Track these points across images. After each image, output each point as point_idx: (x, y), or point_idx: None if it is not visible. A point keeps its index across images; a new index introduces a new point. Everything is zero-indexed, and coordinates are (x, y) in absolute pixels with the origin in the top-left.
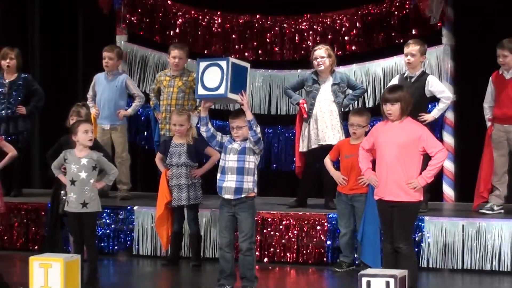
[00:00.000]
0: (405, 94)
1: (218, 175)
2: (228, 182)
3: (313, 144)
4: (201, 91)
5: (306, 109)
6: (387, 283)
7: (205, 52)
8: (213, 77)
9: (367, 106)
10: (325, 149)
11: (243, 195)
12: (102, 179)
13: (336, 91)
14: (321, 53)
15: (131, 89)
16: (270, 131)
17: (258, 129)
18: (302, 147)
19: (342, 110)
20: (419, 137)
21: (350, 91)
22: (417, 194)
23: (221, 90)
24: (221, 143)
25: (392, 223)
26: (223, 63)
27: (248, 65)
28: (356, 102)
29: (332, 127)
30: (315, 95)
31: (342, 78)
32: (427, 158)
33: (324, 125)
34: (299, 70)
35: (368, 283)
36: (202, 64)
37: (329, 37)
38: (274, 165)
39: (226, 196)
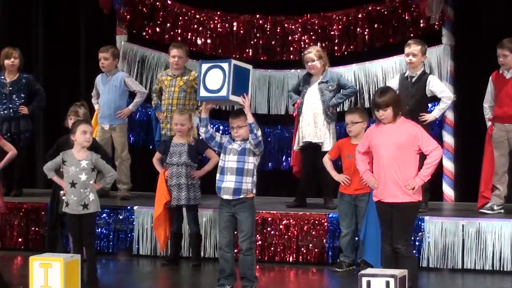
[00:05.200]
0: (394, 96)
1: (217, 175)
2: (227, 183)
3: (300, 142)
4: (203, 93)
5: (299, 109)
6: (387, 283)
7: (205, 52)
8: (215, 79)
9: (366, 106)
10: (312, 147)
11: (241, 196)
12: (100, 180)
13: (323, 89)
14: (312, 57)
15: (130, 86)
16: (269, 131)
17: (259, 132)
18: (295, 145)
19: (331, 109)
20: (415, 135)
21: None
22: (416, 194)
23: (223, 92)
24: (220, 144)
25: (392, 224)
26: (225, 65)
27: (250, 66)
28: (347, 102)
29: (315, 125)
30: (304, 94)
31: (333, 77)
32: (423, 157)
33: (307, 123)
34: (298, 70)
35: (368, 283)
36: (205, 66)
37: (332, 36)
38: (274, 165)
39: (225, 197)
